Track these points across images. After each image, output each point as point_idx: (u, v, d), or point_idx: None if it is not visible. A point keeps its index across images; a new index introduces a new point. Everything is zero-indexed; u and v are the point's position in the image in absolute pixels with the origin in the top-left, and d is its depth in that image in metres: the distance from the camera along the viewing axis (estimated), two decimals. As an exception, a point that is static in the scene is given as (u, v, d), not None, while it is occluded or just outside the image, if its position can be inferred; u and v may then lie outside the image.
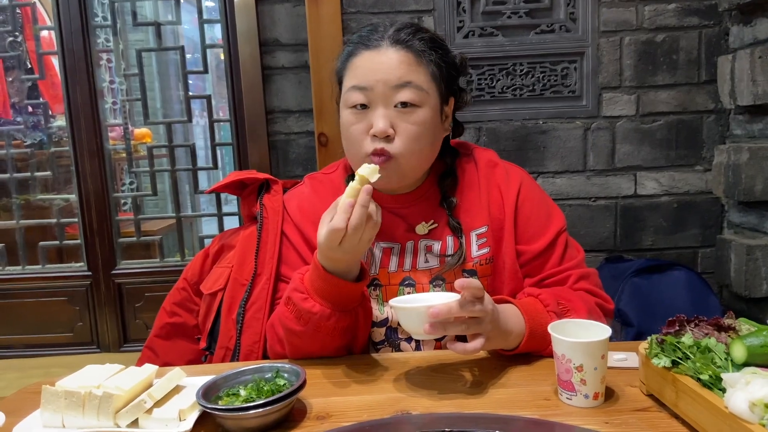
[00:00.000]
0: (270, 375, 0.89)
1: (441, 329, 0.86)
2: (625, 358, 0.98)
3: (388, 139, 1.01)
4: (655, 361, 0.81)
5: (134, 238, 2.52)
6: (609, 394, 0.87)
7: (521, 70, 2.17)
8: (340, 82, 1.09)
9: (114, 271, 2.48)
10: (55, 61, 2.61)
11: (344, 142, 1.08)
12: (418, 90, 1.01)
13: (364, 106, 1.02)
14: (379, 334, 1.10)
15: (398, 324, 1.08)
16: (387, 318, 1.10)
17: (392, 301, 0.93)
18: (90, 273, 2.48)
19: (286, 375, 0.88)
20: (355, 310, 1.00)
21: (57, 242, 2.55)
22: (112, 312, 2.47)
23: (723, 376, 0.72)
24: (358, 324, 1.03)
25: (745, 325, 0.84)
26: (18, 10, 2.61)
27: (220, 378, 0.87)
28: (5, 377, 2.37)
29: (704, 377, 0.75)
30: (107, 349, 2.47)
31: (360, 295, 1.00)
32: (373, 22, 1.09)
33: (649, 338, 0.86)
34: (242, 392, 0.84)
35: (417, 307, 0.88)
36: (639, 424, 0.79)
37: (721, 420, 0.69)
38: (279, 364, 0.90)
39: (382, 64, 1.01)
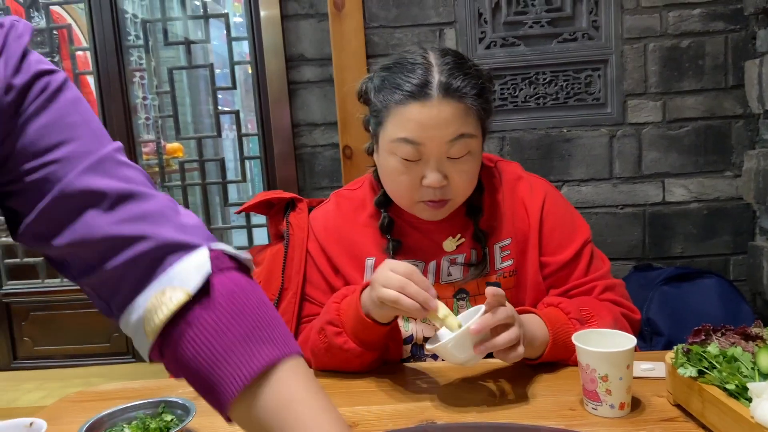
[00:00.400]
0: (157, 410, 0.87)
1: (490, 346, 0.87)
2: (652, 368, 0.97)
3: (442, 188, 1.02)
4: (680, 370, 0.81)
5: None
6: (635, 404, 0.87)
7: (544, 79, 2.17)
8: (375, 114, 1.06)
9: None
10: (90, 80, 2.71)
11: (389, 185, 1.07)
12: (469, 139, 1.01)
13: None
14: (405, 351, 1.12)
15: (423, 341, 1.10)
16: (412, 335, 1.11)
17: (429, 347, 0.91)
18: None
19: (174, 410, 0.87)
20: (386, 344, 1.03)
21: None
22: (145, 323, 2.52)
23: (749, 385, 0.72)
24: (388, 352, 1.07)
25: (772, 335, 0.83)
26: (55, 32, 2.72)
27: (105, 415, 0.85)
28: (47, 386, 2.45)
29: (730, 387, 0.75)
30: (143, 359, 2.54)
31: (390, 331, 1.02)
32: (416, 61, 1.01)
33: (675, 348, 0.86)
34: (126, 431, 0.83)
35: (459, 333, 0.86)
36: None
37: (747, 430, 0.69)
38: (168, 399, 0.89)
39: (433, 119, 0.98)
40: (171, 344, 0.57)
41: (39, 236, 0.59)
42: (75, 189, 0.58)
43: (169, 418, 0.86)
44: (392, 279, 0.89)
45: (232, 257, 0.62)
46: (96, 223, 0.58)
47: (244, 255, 0.63)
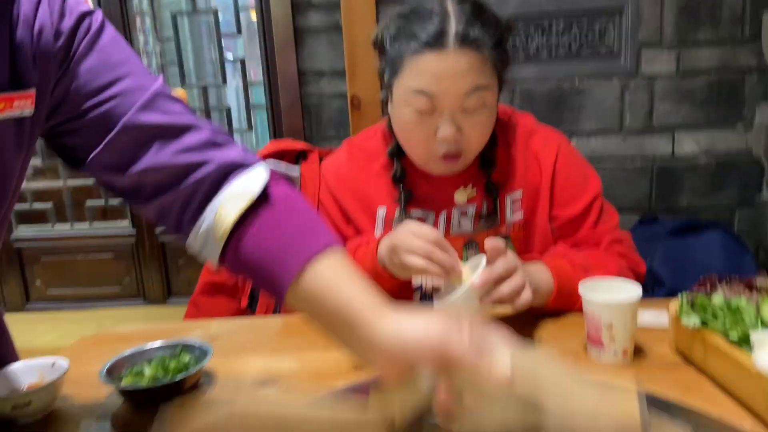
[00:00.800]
0: (175, 351, 0.90)
1: (496, 296, 0.88)
2: (655, 317, 1.00)
3: (455, 141, 1.01)
4: (684, 319, 0.83)
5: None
6: (638, 352, 0.90)
7: (558, 29, 2.12)
8: (391, 64, 1.03)
9: (157, 231, 2.57)
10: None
11: (403, 137, 1.07)
12: (484, 91, 0.99)
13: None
14: (415, 297, 1.14)
15: (432, 291, 1.12)
16: (421, 285, 1.13)
17: (437, 305, 0.92)
18: (135, 231, 2.58)
19: (192, 351, 0.90)
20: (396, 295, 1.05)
21: (102, 201, 2.65)
22: (156, 268, 2.57)
23: (752, 335, 0.74)
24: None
25: (778, 287, 0.85)
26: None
27: (126, 356, 0.88)
28: (61, 328, 2.52)
29: (733, 336, 0.77)
30: (153, 302, 2.60)
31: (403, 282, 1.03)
32: (432, 8, 0.99)
33: (679, 297, 0.87)
34: (147, 371, 0.86)
35: (464, 291, 0.87)
36: (667, 382, 0.82)
37: (748, 378, 0.71)
38: (186, 341, 0.91)
39: (450, 71, 0.96)
40: (237, 243, 0.66)
41: (109, 166, 0.67)
42: (137, 123, 0.66)
43: (187, 359, 0.89)
44: (417, 245, 0.89)
45: (279, 174, 0.72)
46: (163, 153, 0.66)
47: (289, 173, 0.76)
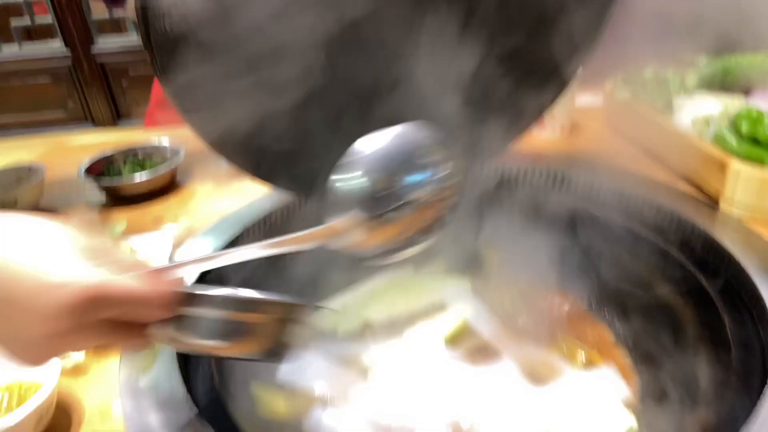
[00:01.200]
0: (148, 153, 0.96)
1: None
2: (590, 99, 1.08)
3: None
4: (617, 93, 0.92)
5: (107, 16, 2.43)
6: (575, 128, 1.00)
7: None
8: None
9: (94, 51, 2.43)
10: None
11: None
12: None
13: None
14: None
15: None
16: None
17: None
18: (69, 51, 2.44)
19: (165, 152, 0.96)
20: None
21: (28, 20, 2.46)
22: (100, 90, 2.48)
23: (674, 100, 0.84)
24: None
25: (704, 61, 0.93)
26: None
27: (100, 158, 0.93)
28: (12, 154, 2.46)
29: (658, 104, 0.86)
30: (103, 125, 2.55)
31: None
32: None
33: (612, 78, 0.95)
34: (123, 170, 0.92)
35: None
36: (600, 153, 0.93)
37: (668, 137, 0.82)
38: (157, 144, 0.97)
39: None
40: None
41: None
42: None
43: (160, 159, 0.94)
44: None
45: None
46: None
47: None
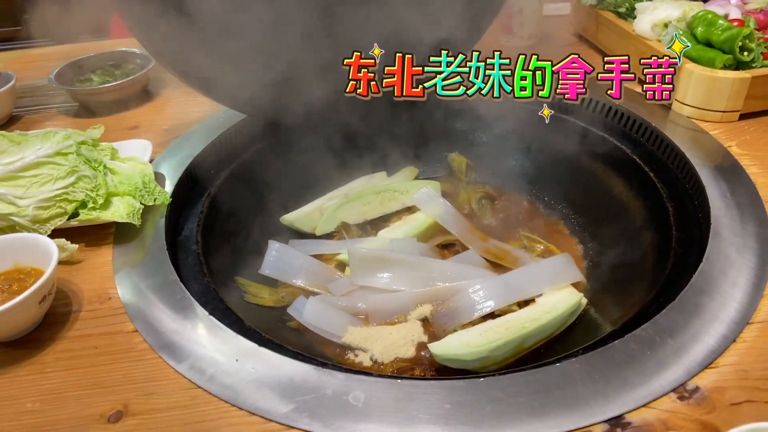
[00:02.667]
0: (117, 60, 0.94)
1: None
2: (558, 7, 1.10)
3: None
4: (584, 1, 0.94)
5: None
6: (543, 37, 1.02)
7: None
8: None
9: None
10: None
11: None
12: None
13: None
14: None
15: None
16: None
17: None
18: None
19: (134, 60, 0.94)
20: None
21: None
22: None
23: (636, 5, 0.86)
24: None
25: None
26: None
27: (66, 65, 0.91)
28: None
29: (621, 9, 0.89)
30: (63, 41, 2.43)
31: None
32: None
33: (583, -18, 0.96)
34: (94, 78, 0.92)
35: None
36: (563, 55, 0.95)
37: (628, 41, 0.85)
38: (126, 50, 0.95)
39: None
40: None
41: None
42: None
43: (130, 67, 0.94)
44: None
45: None
46: None
47: None
